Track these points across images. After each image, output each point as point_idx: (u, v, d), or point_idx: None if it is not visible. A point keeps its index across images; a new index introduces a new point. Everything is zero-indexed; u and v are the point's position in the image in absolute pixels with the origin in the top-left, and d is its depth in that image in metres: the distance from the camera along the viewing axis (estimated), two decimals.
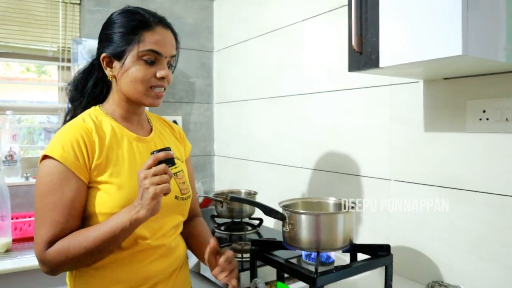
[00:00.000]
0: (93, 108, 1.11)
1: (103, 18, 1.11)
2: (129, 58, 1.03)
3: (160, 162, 0.92)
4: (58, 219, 0.94)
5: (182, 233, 1.24)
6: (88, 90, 1.13)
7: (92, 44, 2.10)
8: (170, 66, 1.10)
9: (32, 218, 1.89)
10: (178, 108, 2.49)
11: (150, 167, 0.91)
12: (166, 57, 1.06)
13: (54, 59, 2.25)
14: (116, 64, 1.06)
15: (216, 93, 2.60)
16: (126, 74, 1.04)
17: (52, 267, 0.95)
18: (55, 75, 2.38)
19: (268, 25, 2.05)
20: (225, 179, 2.49)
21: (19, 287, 1.58)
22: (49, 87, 2.41)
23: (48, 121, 2.43)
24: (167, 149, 0.94)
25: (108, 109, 1.10)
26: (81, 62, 2.11)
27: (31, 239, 1.83)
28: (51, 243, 0.94)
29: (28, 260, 1.60)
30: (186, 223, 1.25)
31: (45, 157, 0.97)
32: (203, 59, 2.58)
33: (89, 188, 0.99)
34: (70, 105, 1.15)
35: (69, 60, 2.23)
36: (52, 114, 2.36)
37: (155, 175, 0.90)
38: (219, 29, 2.56)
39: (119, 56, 1.04)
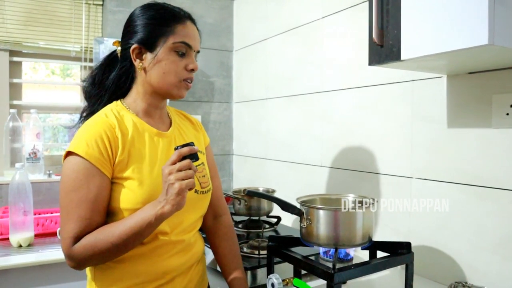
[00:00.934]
0: (114, 103, 1.11)
1: (125, 18, 1.13)
2: (162, 49, 1.04)
3: (184, 157, 0.92)
4: (84, 215, 0.95)
5: (207, 233, 1.25)
6: (109, 83, 1.12)
7: None
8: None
9: (54, 214, 1.92)
10: (198, 107, 2.50)
11: (174, 163, 0.91)
12: (194, 51, 1.09)
13: (77, 59, 2.29)
14: (147, 55, 1.06)
15: (235, 93, 2.60)
16: (159, 65, 1.05)
17: (79, 262, 0.96)
18: (78, 76, 2.42)
19: (288, 23, 2.04)
20: (244, 178, 2.48)
21: (40, 280, 1.61)
22: (73, 89, 2.45)
23: (71, 120, 2.47)
24: (190, 144, 0.94)
25: (130, 103, 1.10)
26: None
27: (52, 234, 1.86)
28: (77, 238, 0.95)
29: (49, 254, 1.63)
30: (211, 222, 1.25)
31: (69, 153, 0.98)
32: (223, 58, 2.58)
33: (112, 183, 1.00)
34: (86, 102, 1.16)
35: (91, 60, 2.27)
36: (75, 113, 2.40)
37: (179, 170, 0.90)
38: (238, 29, 2.57)
39: (151, 46, 1.05)
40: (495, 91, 1.16)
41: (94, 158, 0.96)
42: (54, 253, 1.64)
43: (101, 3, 2.31)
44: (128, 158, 1.01)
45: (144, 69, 1.07)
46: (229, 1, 2.59)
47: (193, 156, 0.94)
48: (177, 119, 1.21)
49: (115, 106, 1.09)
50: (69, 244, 0.95)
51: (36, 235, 1.80)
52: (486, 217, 1.18)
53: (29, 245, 1.71)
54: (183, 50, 1.06)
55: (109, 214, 1.01)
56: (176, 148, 0.93)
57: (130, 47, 1.06)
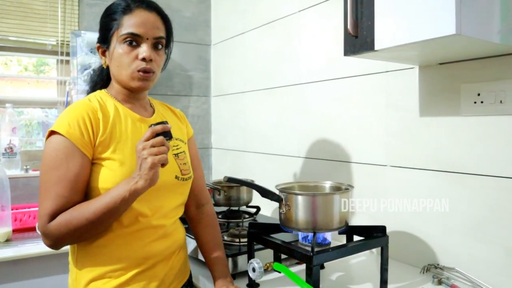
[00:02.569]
0: (98, 91, 1.14)
1: (102, 11, 1.14)
2: (113, 44, 1.07)
3: (158, 135, 0.94)
4: (62, 193, 0.96)
5: (190, 222, 1.28)
6: (93, 77, 1.21)
7: (91, 37, 2.11)
8: (158, 48, 1.09)
9: (32, 209, 1.91)
10: (176, 101, 2.50)
11: (148, 139, 0.93)
12: (147, 39, 1.06)
13: (53, 52, 2.26)
14: (107, 52, 1.11)
15: (214, 86, 2.62)
16: (113, 59, 1.08)
17: (54, 240, 0.97)
18: (54, 70, 2.39)
19: (265, 17, 2.07)
20: (223, 171, 2.50)
21: (19, 275, 1.60)
22: (48, 84, 2.41)
23: (46, 116, 2.44)
24: (164, 122, 0.96)
25: (112, 92, 1.13)
26: (80, 55, 2.13)
27: (30, 229, 1.85)
28: (53, 216, 0.95)
29: (28, 248, 1.62)
30: (194, 211, 1.28)
31: (51, 133, 0.99)
32: (201, 52, 2.59)
33: (93, 164, 1.01)
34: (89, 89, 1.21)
35: (68, 54, 2.24)
36: (50, 108, 2.37)
37: (153, 146, 0.92)
38: (216, 22, 2.58)
39: (107, 43, 1.09)
40: (464, 81, 1.21)
41: (75, 137, 0.97)
42: (33, 247, 1.63)
43: None
44: (110, 139, 1.02)
45: (108, 66, 1.12)
46: None
47: (167, 134, 0.95)
48: (160, 109, 1.24)
49: (98, 93, 1.13)
50: (45, 221, 0.95)
51: (14, 230, 1.78)
52: (457, 201, 1.24)
53: (7, 240, 1.70)
54: (134, 41, 1.05)
55: (88, 194, 1.02)
56: (150, 126, 0.95)
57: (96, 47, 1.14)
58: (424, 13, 0.94)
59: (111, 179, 0.99)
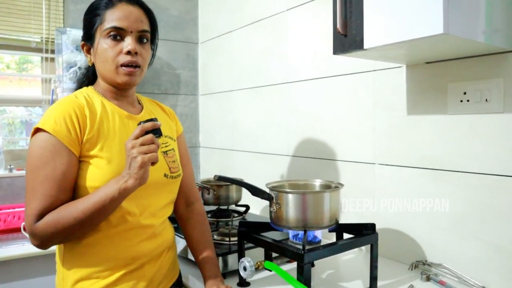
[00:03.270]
0: (84, 88, 1.12)
1: (86, 8, 1.12)
2: (97, 40, 1.06)
3: (147, 132, 0.93)
4: (49, 192, 0.94)
5: (179, 221, 1.27)
6: (80, 76, 1.20)
7: (76, 34, 2.09)
8: (143, 42, 1.08)
9: (17, 210, 1.88)
10: (164, 100, 2.48)
11: (137, 137, 0.92)
12: (131, 32, 1.05)
13: (38, 50, 2.23)
14: (92, 49, 1.09)
15: (201, 85, 2.61)
16: (97, 55, 1.06)
17: (42, 240, 0.95)
18: (38, 68, 2.35)
19: (253, 16, 2.06)
20: (211, 169, 2.50)
21: (4, 277, 1.57)
22: (31, 83, 2.37)
23: (29, 114, 2.40)
24: (153, 119, 0.95)
25: (99, 89, 1.12)
26: (65, 52, 2.10)
27: (15, 230, 1.82)
28: (41, 215, 0.94)
29: (13, 250, 1.60)
30: (184, 210, 1.27)
31: (37, 130, 0.97)
32: (189, 51, 2.58)
33: (80, 162, 0.99)
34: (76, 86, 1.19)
35: (52, 51, 2.21)
36: (34, 106, 2.33)
37: (142, 144, 0.91)
38: (204, 21, 2.57)
39: (91, 40, 1.08)
40: (451, 80, 1.23)
41: (62, 134, 0.96)
42: (18, 248, 1.61)
43: None
44: (97, 137, 1.01)
45: (94, 64, 1.10)
46: None
47: (156, 132, 0.94)
48: (149, 106, 1.22)
49: (85, 90, 1.11)
50: (32, 221, 0.94)
51: None
52: (443, 198, 1.26)
53: None
54: (117, 36, 1.04)
55: (76, 193, 1.00)
56: (139, 124, 0.94)
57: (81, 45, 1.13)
58: (413, 12, 0.95)
59: (99, 177, 0.98)
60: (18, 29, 2.16)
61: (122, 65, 1.04)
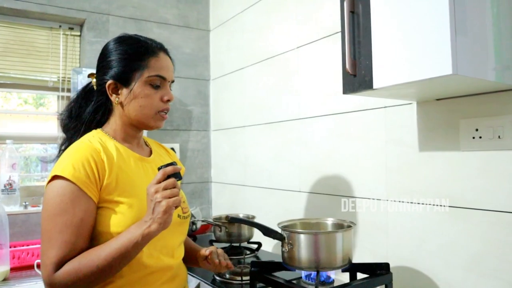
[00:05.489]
0: (94, 131, 1.11)
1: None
2: (138, 84, 1.07)
3: (168, 176, 0.94)
4: (69, 240, 0.93)
5: None
6: (86, 116, 1.14)
7: None
8: (171, 89, 1.15)
9: (31, 247, 1.88)
10: (176, 136, 2.51)
11: (160, 182, 0.93)
12: (169, 81, 1.11)
13: (54, 89, 2.29)
14: (123, 90, 1.08)
15: (213, 121, 2.64)
16: (135, 99, 1.07)
17: None
18: (54, 106, 2.41)
19: (263, 53, 2.11)
20: (223, 205, 2.49)
21: None
22: (47, 118, 2.43)
23: (45, 151, 2.45)
24: (173, 163, 0.96)
25: (110, 132, 1.12)
26: None
27: (29, 267, 1.82)
28: (60, 264, 0.92)
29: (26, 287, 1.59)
30: None
31: (54, 177, 0.97)
32: (200, 87, 2.63)
33: (99, 208, 0.99)
34: (64, 135, 1.17)
35: (68, 90, 2.27)
36: (51, 143, 2.38)
37: (165, 189, 0.92)
38: (215, 58, 2.63)
39: (126, 82, 1.07)
40: (462, 116, 1.23)
41: (81, 181, 0.95)
42: (31, 287, 1.60)
43: (78, 33, 2.33)
44: (116, 182, 1.01)
45: (121, 103, 1.09)
46: (205, 32, 2.66)
47: (177, 175, 0.95)
48: (155, 147, 1.24)
49: (96, 134, 1.10)
50: (50, 271, 0.92)
51: (12, 269, 1.75)
52: (459, 236, 1.23)
53: (4, 280, 1.66)
54: (158, 83, 1.08)
55: (94, 239, 0.99)
56: (159, 168, 0.95)
57: (105, 82, 1.08)
58: (421, 53, 0.96)
59: (122, 223, 0.97)
60: (36, 69, 2.23)
61: (160, 111, 1.09)
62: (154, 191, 0.91)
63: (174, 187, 0.93)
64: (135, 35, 1.14)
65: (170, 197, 0.91)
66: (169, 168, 0.94)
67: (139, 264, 1.00)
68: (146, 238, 0.91)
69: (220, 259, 1.16)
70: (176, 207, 0.93)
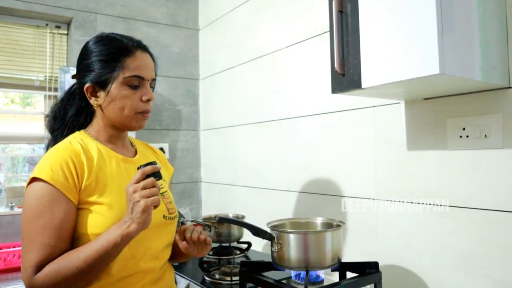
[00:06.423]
0: (77, 132, 1.10)
1: None
2: (114, 85, 1.04)
3: (147, 176, 0.92)
4: (48, 242, 0.92)
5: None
6: (69, 119, 1.12)
7: None
8: (152, 87, 1.11)
9: (17, 248, 1.86)
10: (165, 136, 2.50)
11: (138, 181, 0.91)
12: (148, 80, 1.08)
13: (41, 88, 2.26)
14: (101, 93, 1.06)
15: (203, 120, 2.63)
16: (114, 101, 1.05)
17: None
18: (41, 105, 2.38)
19: (253, 52, 2.10)
20: (213, 205, 2.49)
21: None
22: (34, 118, 2.40)
23: (33, 151, 2.42)
24: (153, 163, 0.95)
25: (93, 133, 1.10)
26: None
27: (15, 269, 1.80)
28: (40, 267, 0.91)
29: None
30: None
31: (33, 180, 0.96)
32: (189, 86, 2.62)
33: (79, 209, 0.98)
34: (50, 136, 1.15)
35: (56, 89, 2.25)
36: (38, 143, 2.35)
37: (144, 188, 0.90)
38: (204, 57, 2.62)
39: (104, 84, 1.05)
40: (450, 115, 1.24)
41: (59, 183, 0.94)
42: None
43: (66, 32, 2.30)
44: (96, 183, 1.00)
45: (100, 106, 1.07)
46: (194, 31, 2.65)
47: (157, 175, 0.94)
48: (141, 148, 1.22)
49: (78, 135, 1.09)
50: (30, 273, 0.91)
51: None
52: (447, 235, 1.24)
53: None
54: (136, 83, 1.05)
55: (75, 240, 0.98)
56: (139, 167, 0.93)
57: (84, 85, 1.07)
58: (409, 52, 0.97)
59: (101, 224, 0.96)
60: (23, 68, 2.20)
61: (140, 112, 1.07)
62: (132, 190, 0.90)
63: (154, 187, 0.92)
64: (112, 33, 1.10)
65: (148, 197, 0.90)
66: (148, 168, 0.93)
67: (117, 265, 0.98)
68: (125, 239, 0.90)
69: (193, 234, 1.09)
70: (156, 206, 0.92)
